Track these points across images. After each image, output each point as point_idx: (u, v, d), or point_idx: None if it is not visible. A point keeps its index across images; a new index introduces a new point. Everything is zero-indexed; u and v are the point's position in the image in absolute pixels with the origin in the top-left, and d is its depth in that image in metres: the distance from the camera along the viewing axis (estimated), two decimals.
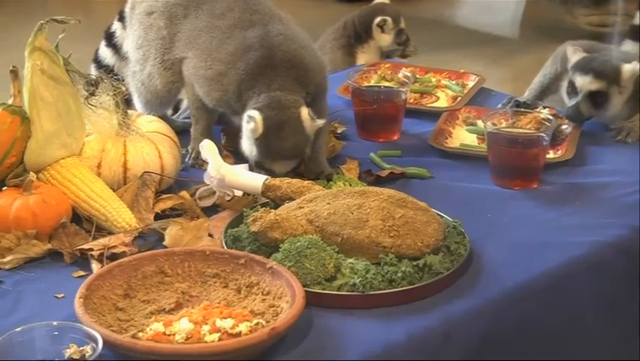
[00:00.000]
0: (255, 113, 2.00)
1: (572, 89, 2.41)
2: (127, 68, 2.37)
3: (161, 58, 2.24)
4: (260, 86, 2.05)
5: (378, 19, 4.19)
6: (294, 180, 1.93)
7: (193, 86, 2.19)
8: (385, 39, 4.23)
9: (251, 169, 2.05)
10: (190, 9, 2.22)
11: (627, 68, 2.37)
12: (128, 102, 2.23)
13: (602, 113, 2.41)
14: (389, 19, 4.18)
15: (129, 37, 2.37)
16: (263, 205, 1.88)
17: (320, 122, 2.05)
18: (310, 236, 1.71)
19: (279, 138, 2.02)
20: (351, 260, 1.69)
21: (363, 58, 4.17)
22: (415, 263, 1.70)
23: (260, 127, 2.00)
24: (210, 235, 1.86)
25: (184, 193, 1.99)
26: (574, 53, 2.46)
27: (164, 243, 1.83)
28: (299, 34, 2.18)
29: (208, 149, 1.97)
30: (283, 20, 2.19)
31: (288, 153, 2.05)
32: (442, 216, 1.85)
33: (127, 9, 2.39)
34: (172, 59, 2.22)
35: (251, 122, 2.00)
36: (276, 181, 1.91)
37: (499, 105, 2.54)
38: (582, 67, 2.41)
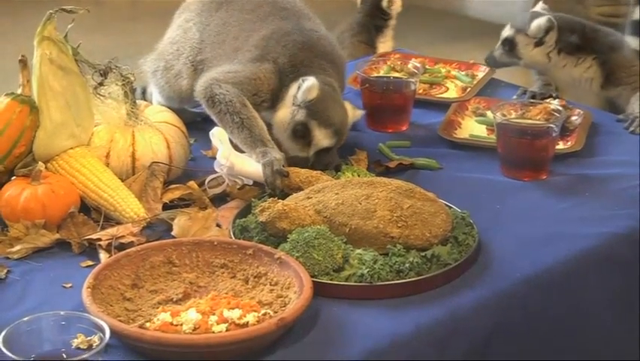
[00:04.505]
0: (311, 78, 2.02)
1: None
2: (147, 61, 2.37)
3: (193, 57, 2.23)
4: (305, 70, 2.07)
5: (384, 1, 4.28)
6: (303, 170, 1.93)
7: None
8: (398, 7, 4.33)
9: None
10: (222, 4, 2.24)
11: (535, 21, 2.49)
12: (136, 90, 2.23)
13: (516, 60, 2.57)
14: None
15: (164, 38, 2.36)
16: (271, 195, 1.87)
17: (359, 112, 2.17)
18: (318, 226, 1.70)
19: (331, 103, 2.05)
20: (359, 251, 1.69)
21: (382, 48, 4.21)
22: (422, 254, 1.69)
23: (316, 89, 2.01)
24: (218, 226, 1.86)
25: (192, 183, 1.98)
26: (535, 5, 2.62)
27: (172, 233, 1.83)
28: (326, 33, 2.23)
29: (218, 136, 1.96)
30: (312, 19, 2.23)
31: (334, 124, 2.04)
32: (450, 207, 1.84)
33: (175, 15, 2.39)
34: (202, 61, 2.22)
35: (307, 82, 2.01)
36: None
37: (514, 97, 2.54)
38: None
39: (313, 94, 2.01)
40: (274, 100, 2.09)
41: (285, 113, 2.05)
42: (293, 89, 2.05)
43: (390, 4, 4.31)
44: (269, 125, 2.08)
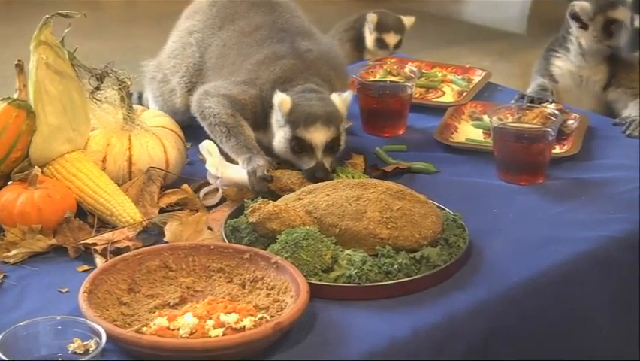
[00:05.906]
0: (279, 93, 2.00)
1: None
2: (149, 65, 2.37)
3: (188, 78, 2.24)
4: (285, 88, 2.05)
5: (369, 14, 4.24)
6: (294, 172, 1.94)
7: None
8: (367, 37, 4.27)
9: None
10: (226, 22, 2.23)
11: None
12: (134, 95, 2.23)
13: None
14: (375, 17, 4.21)
15: (166, 45, 2.36)
16: (263, 197, 1.87)
17: (346, 95, 2.05)
18: (307, 227, 1.70)
19: (307, 102, 2.00)
20: (348, 252, 1.69)
21: (369, 53, 4.19)
22: (412, 255, 1.69)
23: (286, 100, 1.99)
24: (210, 228, 1.86)
25: (185, 187, 1.99)
26: None
27: (165, 239, 1.83)
28: (326, 48, 2.22)
29: (207, 148, 1.97)
30: (310, 36, 2.21)
31: (321, 117, 1.98)
32: (442, 209, 1.84)
33: (181, 19, 2.38)
34: (198, 83, 2.21)
35: (276, 99, 1.99)
36: (277, 173, 1.92)
37: (512, 101, 2.54)
38: None
39: (287, 105, 1.99)
40: (257, 122, 2.09)
41: (279, 139, 2.03)
42: (273, 117, 2.04)
43: (368, 22, 4.26)
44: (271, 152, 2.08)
